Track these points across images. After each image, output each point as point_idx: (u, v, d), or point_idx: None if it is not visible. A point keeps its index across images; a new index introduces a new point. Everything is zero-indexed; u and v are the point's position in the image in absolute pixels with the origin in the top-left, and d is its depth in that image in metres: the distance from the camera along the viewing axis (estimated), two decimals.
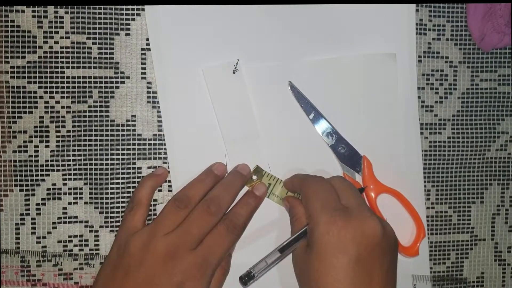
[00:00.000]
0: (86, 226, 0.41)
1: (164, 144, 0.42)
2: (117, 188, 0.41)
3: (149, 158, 0.42)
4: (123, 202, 0.42)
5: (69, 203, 0.41)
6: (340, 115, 0.43)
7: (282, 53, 0.43)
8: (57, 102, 0.41)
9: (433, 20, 0.45)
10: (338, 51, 0.43)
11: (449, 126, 0.45)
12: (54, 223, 0.41)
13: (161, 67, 0.41)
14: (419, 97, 0.45)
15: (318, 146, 0.43)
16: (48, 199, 0.41)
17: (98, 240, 0.41)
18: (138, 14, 0.41)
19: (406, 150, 0.44)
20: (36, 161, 0.41)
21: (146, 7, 0.41)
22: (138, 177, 0.42)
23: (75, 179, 0.41)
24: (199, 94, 0.42)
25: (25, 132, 0.40)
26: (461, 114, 0.46)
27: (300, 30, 0.43)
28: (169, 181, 0.42)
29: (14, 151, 0.40)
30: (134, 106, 0.42)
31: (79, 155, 0.41)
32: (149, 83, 0.42)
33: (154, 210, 0.42)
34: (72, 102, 0.41)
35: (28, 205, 0.41)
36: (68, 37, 0.40)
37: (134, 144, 0.42)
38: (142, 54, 0.41)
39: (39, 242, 0.41)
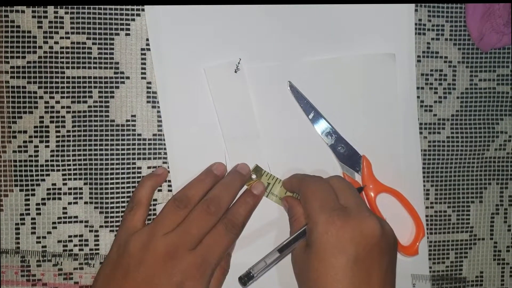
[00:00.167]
0: (86, 226, 0.41)
1: (164, 144, 0.42)
2: (117, 188, 0.42)
3: (149, 158, 0.42)
4: (123, 202, 0.42)
5: (69, 203, 0.41)
6: (340, 115, 0.43)
7: (281, 53, 0.43)
8: (57, 102, 0.41)
9: (432, 20, 0.45)
10: (337, 51, 0.43)
11: (448, 126, 0.45)
12: (54, 223, 0.41)
13: (161, 67, 0.41)
14: (418, 97, 0.45)
15: (318, 145, 0.43)
16: (48, 199, 0.41)
17: (98, 240, 0.42)
18: (138, 14, 0.41)
19: (405, 150, 0.44)
20: (36, 161, 0.41)
21: (146, 7, 0.41)
22: (138, 177, 0.42)
23: (75, 179, 0.41)
24: (199, 94, 0.42)
25: (25, 132, 0.41)
26: (460, 114, 0.46)
27: (299, 30, 0.43)
28: (169, 181, 0.42)
29: (14, 151, 0.41)
30: (134, 106, 0.42)
31: (79, 155, 0.41)
32: (149, 83, 0.42)
33: (154, 210, 0.42)
34: (72, 102, 0.41)
35: (28, 205, 0.41)
36: (68, 37, 0.41)
37: (134, 144, 0.42)
38: (142, 54, 0.42)
39: (39, 242, 0.41)
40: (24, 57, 0.40)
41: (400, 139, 0.44)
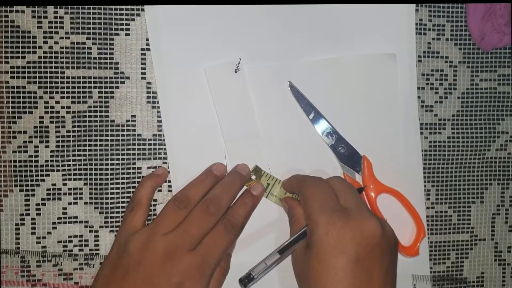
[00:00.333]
0: (86, 226, 0.41)
1: (164, 144, 0.42)
2: (117, 188, 0.41)
3: (149, 158, 0.42)
4: (123, 202, 0.42)
5: (69, 203, 0.41)
6: (340, 115, 0.43)
7: (282, 53, 0.43)
8: (57, 102, 0.41)
9: (433, 20, 0.45)
10: (338, 51, 0.43)
11: (449, 126, 0.45)
12: (54, 223, 0.41)
13: (161, 67, 0.41)
14: (419, 97, 0.45)
15: (318, 146, 0.43)
16: (48, 199, 0.41)
17: (98, 240, 0.41)
18: (138, 14, 0.41)
19: (406, 150, 0.44)
20: (36, 161, 0.41)
21: (146, 7, 0.41)
22: (138, 177, 0.42)
23: (75, 179, 0.41)
24: (199, 94, 0.42)
25: (25, 132, 0.40)
26: (461, 114, 0.46)
27: (300, 30, 0.43)
28: (169, 181, 0.42)
29: (14, 151, 0.40)
30: (134, 106, 0.42)
31: (79, 155, 0.41)
32: (149, 83, 0.42)
33: (154, 210, 0.42)
34: (72, 102, 0.41)
35: (28, 205, 0.41)
36: (68, 37, 0.41)
37: (134, 144, 0.42)
38: (142, 54, 0.42)
39: (39, 242, 0.41)
40: (24, 57, 0.40)
41: (400, 139, 0.44)
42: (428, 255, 0.45)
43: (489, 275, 0.46)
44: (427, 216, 0.45)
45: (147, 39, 0.41)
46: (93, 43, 0.41)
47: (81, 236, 0.41)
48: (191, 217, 0.37)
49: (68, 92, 0.41)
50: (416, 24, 0.44)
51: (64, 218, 0.41)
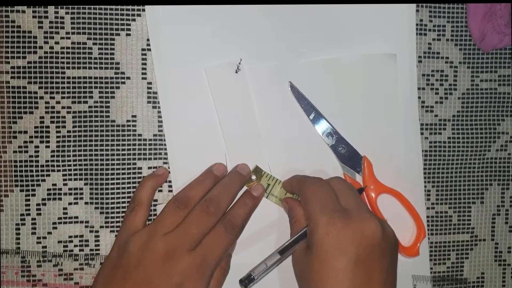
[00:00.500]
0: (86, 227, 0.41)
1: (165, 145, 0.42)
2: (118, 188, 0.41)
3: (150, 159, 0.42)
4: (123, 202, 0.42)
5: (70, 204, 0.41)
6: (340, 115, 0.43)
7: (282, 53, 0.43)
8: (58, 102, 0.41)
9: (433, 21, 0.45)
10: (338, 51, 0.43)
11: (449, 127, 0.45)
12: (54, 223, 0.41)
13: (162, 67, 0.41)
14: (419, 98, 0.45)
15: (318, 146, 0.43)
16: (49, 199, 0.41)
17: (98, 241, 0.41)
18: (139, 15, 0.41)
19: (406, 151, 0.44)
20: (37, 161, 0.41)
21: (146, 7, 0.41)
22: (139, 178, 0.42)
23: (75, 179, 0.41)
24: (200, 94, 0.42)
25: (25, 132, 0.40)
26: (461, 115, 0.46)
27: (300, 30, 0.43)
28: (170, 181, 0.42)
29: (15, 151, 0.40)
30: (135, 107, 0.42)
31: (80, 155, 0.41)
32: (150, 83, 0.42)
33: (155, 210, 0.42)
34: (73, 102, 0.41)
35: (28, 205, 0.41)
36: (69, 38, 0.41)
37: (134, 145, 0.42)
38: (142, 54, 0.42)
39: (40, 242, 0.41)
40: (24, 57, 0.40)
41: (401, 139, 0.44)
42: (428, 256, 0.45)
43: (489, 275, 0.46)
44: (427, 217, 0.45)
45: (148, 39, 0.41)
46: (93, 43, 0.41)
47: (81, 236, 0.41)
48: (191, 217, 0.37)
49: (68, 92, 0.41)
50: (417, 24, 0.44)
51: (65, 218, 0.41)
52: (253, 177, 0.42)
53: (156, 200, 0.42)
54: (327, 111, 0.43)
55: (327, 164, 0.43)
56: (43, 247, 0.41)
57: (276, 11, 0.42)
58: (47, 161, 0.41)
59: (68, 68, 0.41)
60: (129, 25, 0.41)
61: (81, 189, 0.41)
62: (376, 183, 0.43)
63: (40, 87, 0.40)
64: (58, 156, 0.41)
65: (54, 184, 0.41)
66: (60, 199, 0.41)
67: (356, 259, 0.34)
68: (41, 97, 0.40)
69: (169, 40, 0.41)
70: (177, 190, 0.41)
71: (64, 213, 0.41)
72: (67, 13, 0.40)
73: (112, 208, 0.41)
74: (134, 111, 0.42)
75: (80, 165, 0.41)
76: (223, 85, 0.42)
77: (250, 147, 0.42)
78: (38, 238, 0.41)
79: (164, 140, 0.42)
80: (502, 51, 0.46)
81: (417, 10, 0.44)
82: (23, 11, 0.40)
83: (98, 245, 0.41)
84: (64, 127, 0.41)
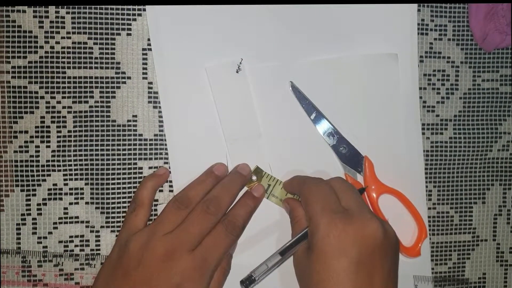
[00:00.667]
0: (87, 226, 0.41)
1: (165, 144, 0.42)
2: (118, 188, 0.41)
3: (150, 159, 0.42)
4: (124, 202, 0.42)
5: (70, 203, 0.41)
6: (342, 115, 0.43)
7: (283, 53, 0.43)
8: (58, 102, 0.41)
9: (435, 20, 0.45)
10: (339, 51, 0.43)
11: (450, 127, 0.45)
12: (55, 223, 0.41)
13: (162, 67, 0.41)
14: (420, 97, 0.45)
15: (320, 146, 0.43)
16: (49, 199, 0.41)
17: (99, 241, 0.41)
18: (140, 14, 0.41)
19: (407, 151, 0.44)
20: (37, 161, 0.41)
21: (147, 7, 0.41)
22: (139, 177, 0.42)
23: (76, 179, 0.41)
24: (200, 94, 0.42)
25: (26, 132, 0.40)
26: (462, 115, 0.45)
27: (301, 30, 0.43)
28: (170, 181, 0.42)
29: (15, 151, 0.40)
30: (135, 106, 0.42)
31: (80, 155, 0.41)
32: (150, 83, 0.42)
33: (155, 210, 0.42)
34: (73, 102, 0.41)
35: (29, 205, 0.41)
36: (69, 37, 0.40)
37: (135, 144, 0.42)
38: (143, 54, 0.41)
39: (40, 242, 0.41)
40: (25, 57, 0.40)
41: (402, 139, 0.44)
42: (429, 256, 0.44)
43: (491, 276, 0.46)
44: (429, 217, 0.45)
45: (149, 39, 0.41)
46: (94, 43, 0.41)
47: (82, 236, 0.41)
48: (191, 217, 0.37)
49: (69, 92, 0.41)
50: (418, 24, 0.44)
51: (65, 218, 0.41)
52: (254, 177, 0.42)
53: (156, 200, 0.42)
54: (328, 111, 0.43)
55: (328, 164, 0.43)
56: (43, 247, 0.41)
57: (277, 11, 0.42)
58: (47, 161, 0.41)
59: (68, 68, 0.41)
60: (130, 25, 0.41)
61: (81, 189, 0.41)
62: (377, 183, 0.43)
63: (40, 87, 0.40)
64: (58, 156, 0.41)
65: (55, 184, 0.41)
66: (60, 199, 0.41)
67: (357, 260, 0.34)
68: (42, 97, 0.40)
69: (170, 40, 0.41)
70: (178, 190, 0.40)
71: (64, 213, 0.41)
72: (67, 13, 0.40)
73: (113, 208, 0.41)
74: (135, 111, 0.42)
75: (80, 165, 0.41)
76: (224, 85, 0.42)
77: (251, 147, 0.42)
78: (39, 238, 0.41)
79: (165, 140, 0.42)
80: (504, 51, 0.46)
81: (419, 10, 0.44)
82: (24, 11, 0.40)
83: (98, 245, 0.41)
84: (64, 127, 0.41)
